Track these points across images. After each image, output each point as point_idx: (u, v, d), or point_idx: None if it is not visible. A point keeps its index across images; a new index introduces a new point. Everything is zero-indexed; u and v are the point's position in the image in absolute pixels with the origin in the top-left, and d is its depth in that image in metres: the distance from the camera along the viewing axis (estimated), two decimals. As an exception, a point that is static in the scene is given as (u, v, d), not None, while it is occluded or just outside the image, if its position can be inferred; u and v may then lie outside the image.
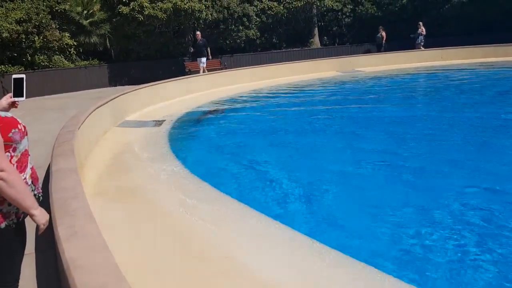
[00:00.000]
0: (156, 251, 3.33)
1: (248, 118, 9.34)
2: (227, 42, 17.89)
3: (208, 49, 14.72)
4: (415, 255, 3.32)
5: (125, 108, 9.13)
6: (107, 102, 7.90)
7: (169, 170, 5.47)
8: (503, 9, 19.03)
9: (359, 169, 5.53)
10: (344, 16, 20.48)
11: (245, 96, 12.12)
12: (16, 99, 2.08)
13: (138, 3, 14.95)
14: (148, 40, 15.98)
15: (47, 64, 14.37)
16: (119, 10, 15.09)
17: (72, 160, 3.92)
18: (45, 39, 13.94)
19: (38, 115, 10.05)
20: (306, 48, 19.74)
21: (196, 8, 15.57)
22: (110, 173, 5.44)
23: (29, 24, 13.47)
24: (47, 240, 2.86)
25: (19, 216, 1.92)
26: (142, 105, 10.08)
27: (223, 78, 13.81)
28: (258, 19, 18.38)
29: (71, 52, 15.05)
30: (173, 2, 15.26)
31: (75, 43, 14.93)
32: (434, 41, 18.65)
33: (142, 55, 16.43)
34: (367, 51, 19.27)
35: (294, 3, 18.66)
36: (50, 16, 14.36)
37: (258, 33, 18.51)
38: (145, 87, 10.78)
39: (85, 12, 15.16)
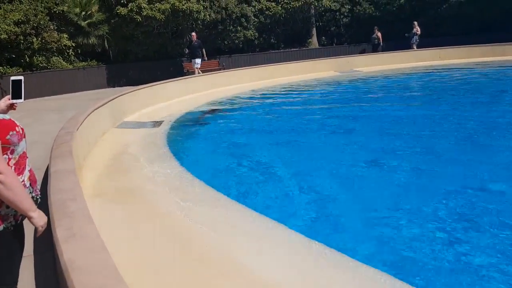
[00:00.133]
0: (155, 252, 3.33)
1: (247, 119, 9.35)
2: (225, 42, 17.89)
3: (203, 50, 14.57)
4: (416, 256, 3.33)
5: (124, 109, 9.13)
6: (105, 103, 7.90)
7: (167, 171, 5.47)
8: (501, 9, 19.08)
9: (358, 168, 5.53)
10: (342, 16, 20.50)
11: (244, 97, 12.12)
12: (14, 101, 2.08)
13: (136, 4, 14.95)
14: (146, 41, 15.98)
15: (46, 65, 14.36)
16: (117, 11, 15.09)
17: (70, 161, 3.92)
18: (43, 41, 13.93)
19: (37, 117, 10.04)
20: (304, 48, 19.76)
21: (194, 9, 15.57)
22: (108, 174, 5.44)
23: (27, 26, 13.47)
24: (46, 241, 2.85)
25: (17, 218, 1.92)
26: (141, 106, 10.08)
27: (222, 79, 13.81)
28: (256, 19, 18.38)
29: (70, 53, 15.04)
30: (171, 3, 15.26)
31: (73, 44, 14.93)
32: (432, 41, 18.68)
33: (141, 56, 16.42)
34: (363, 51, 19.31)
35: (292, 3, 18.68)
36: (48, 18, 14.36)
37: (256, 34, 18.52)
38: (144, 88, 10.78)
39: (83, 13, 15.15)
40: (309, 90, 13.00)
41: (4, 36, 12.81)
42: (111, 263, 1.95)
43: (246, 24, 18.05)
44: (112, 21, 15.52)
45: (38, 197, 2.10)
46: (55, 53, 14.65)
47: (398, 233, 3.70)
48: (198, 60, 14.53)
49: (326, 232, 3.82)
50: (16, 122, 1.97)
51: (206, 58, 14.91)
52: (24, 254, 2.15)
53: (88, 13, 15.23)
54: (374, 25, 19.17)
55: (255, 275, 3.03)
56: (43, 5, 14.48)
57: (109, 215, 4.05)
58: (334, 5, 20.24)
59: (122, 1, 15.19)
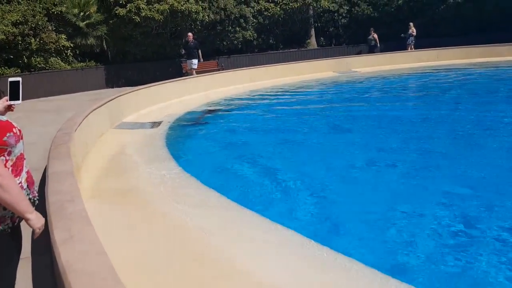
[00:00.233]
0: (154, 254, 3.32)
1: (246, 119, 9.35)
2: (224, 43, 17.88)
3: (199, 51, 14.49)
4: (416, 256, 3.32)
5: (122, 109, 9.11)
6: (104, 104, 7.88)
7: (166, 172, 5.46)
8: (499, 9, 19.12)
9: (355, 168, 5.54)
10: (340, 17, 20.52)
11: (243, 97, 12.12)
12: (12, 102, 2.07)
13: (135, 4, 14.94)
14: (145, 42, 15.96)
15: (44, 66, 14.33)
16: (116, 11, 15.07)
17: (68, 162, 3.90)
18: (41, 41, 13.90)
19: (35, 117, 10.02)
20: (303, 49, 19.77)
21: (193, 10, 15.56)
22: (107, 175, 5.43)
23: (25, 26, 13.44)
24: (44, 243, 2.84)
25: (14, 220, 1.91)
26: (139, 107, 10.06)
27: (220, 79, 13.81)
28: (255, 20, 18.39)
29: (68, 54, 15.01)
30: (170, 3, 15.25)
31: (71, 45, 14.90)
32: (430, 41, 18.73)
33: (139, 56, 16.40)
34: (359, 53, 19.33)
35: (290, 4, 18.69)
36: (46, 18, 14.33)
37: (255, 34, 18.52)
38: (142, 88, 10.76)
39: (81, 14, 15.13)
40: (307, 91, 13.00)
41: (2, 37, 12.79)
42: (109, 265, 1.94)
43: (245, 25, 18.06)
44: (111, 21, 15.50)
45: (35, 199, 2.09)
46: (53, 54, 14.62)
47: (399, 233, 3.70)
48: (195, 61, 14.50)
49: (324, 230, 3.82)
50: (13, 123, 1.95)
51: (201, 59, 14.82)
52: (22, 256, 2.13)
53: (87, 13, 15.21)
54: (372, 26, 19.19)
55: (254, 277, 3.02)
56: (41, 5, 14.46)
57: (108, 216, 4.04)
58: (333, 6, 20.27)
59: (120, 2, 15.17)
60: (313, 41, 20.36)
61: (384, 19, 19.86)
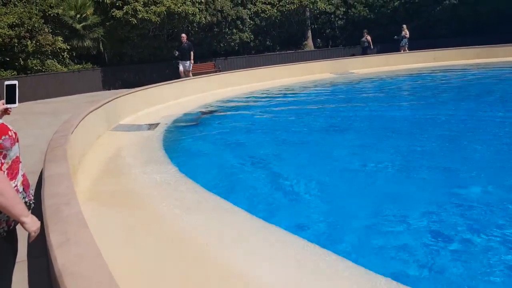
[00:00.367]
0: (151, 257, 3.31)
1: (243, 120, 9.35)
2: (221, 45, 17.89)
3: (192, 52, 14.44)
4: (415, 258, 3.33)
5: (119, 111, 9.09)
6: (100, 106, 7.87)
7: (163, 174, 5.45)
8: (494, 11, 19.23)
9: (353, 168, 5.55)
10: (337, 19, 20.58)
11: (240, 99, 12.13)
12: (8, 105, 2.06)
13: (132, 6, 14.93)
14: (141, 44, 15.95)
15: (40, 68, 14.29)
16: (113, 13, 15.06)
17: (64, 165, 3.89)
18: (38, 43, 13.86)
19: (31, 120, 9.98)
20: (300, 50, 19.80)
21: (190, 12, 15.56)
22: (103, 177, 5.41)
23: (21, 29, 13.41)
24: (40, 247, 2.83)
25: (10, 224, 1.90)
26: (136, 109, 10.05)
27: (218, 81, 13.81)
28: (251, 22, 18.41)
29: (64, 56, 14.98)
30: (167, 5, 15.25)
31: (68, 47, 14.87)
32: (426, 43, 18.82)
33: (136, 58, 16.39)
34: (353, 55, 19.39)
35: (287, 6, 18.72)
36: (43, 20, 14.30)
37: (252, 36, 18.54)
38: (139, 90, 10.75)
39: (78, 16, 15.10)
40: (305, 92, 13.02)
41: (-2, 39, 12.76)
42: (106, 269, 1.93)
43: (241, 27, 18.07)
44: (107, 23, 15.48)
45: (31, 202, 2.08)
46: (50, 56, 14.58)
47: (390, 235, 3.70)
48: (188, 63, 14.49)
49: (322, 232, 3.82)
50: (8, 126, 1.95)
51: (193, 62, 14.75)
52: (18, 259, 2.13)
53: (83, 16, 15.18)
54: (368, 27, 19.27)
55: (252, 279, 3.01)
56: (37, 8, 14.43)
57: (104, 219, 4.03)
58: (329, 8, 20.32)
59: (117, 4, 15.16)
60: (310, 43, 20.40)
61: (380, 21, 19.93)
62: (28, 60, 13.96)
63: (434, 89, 12.30)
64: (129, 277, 2.94)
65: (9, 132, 1.92)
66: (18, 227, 1.96)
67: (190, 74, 14.60)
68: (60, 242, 2.21)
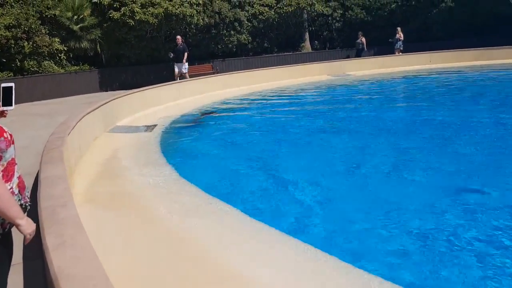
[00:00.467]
0: (147, 259, 3.29)
1: (241, 122, 9.35)
2: (219, 46, 17.90)
3: (186, 54, 14.33)
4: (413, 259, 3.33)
5: (116, 113, 9.07)
6: (97, 108, 7.85)
7: (160, 176, 5.44)
8: (490, 13, 19.31)
9: (349, 169, 5.55)
10: (334, 21, 20.63)
11: (237, 100, 12.13)
12: (4, 108, 2.05)
13: (129, 8, 14.91)
14: (139, 45, 15.92)
15: (37, 69, 14.23)
16: (110, 15, 15.03)
17: (61, 167, 3.87)
18: (34, 45, 13.82)
19: (27, 121, 9.94)
20: (297, 52, 19.83)
21: (187, 13, 15.56)
22: (100, 179, 5.39)
23: (18, 30, 13.36)
24: (36, 249, 2.81)
25: (4, 226, 1.89)
26: (134, 110, 10.03)
27: (215, 83, 13.81)
28: (249, 24, 18.42)
29: (61, 58, 14.93)
30: (164, 7, 15.24)
31: (65, 48, 14.82)
32: (423, 45, 18.89)
33: (133, 60, 16.36)
34: (347, 57, 19.43)
35: (285, 8, 18.75)
36: (40, 22, 14.25)
37: (250, 38, 18.55)
38: (137, 92, 10.73)
39: (75, 17, 15.07)
40: (303, 94, 13.04)
41: (-6, 40, 12.71)
42: (102, 271, 1.92)
43: (239, 29, 18.09)
44: (105, 25, 15.45)
45: (27, 204, 2.07)
46: (47, 57, 14.53)
47: (386, 237, 3.70)
48: (186, 65, 14.45)
49: (320, 233, 3.82)
50: (4, 128, 1.93)
51: (184, 62, 14.61)
52: (13, 262, 2.11)
53: (80, 17, 15.15)
54: (366, 29, 19.34)
55: (252, 280, 3.00)
56: (34, 9, 14.38)
57: (101, 221, 4.01)
58: (327, 10, 20.37)
59: (114, 5, 15.13)
60: (307, 45, 20.44)
61: (377, 23, 20.00)
62: (25, 61, 13.91)
63: (429, 91, 12.37)
64: (126, 280, 2.92)
65: (4, 134, 1.90)
66: (14, 229, 1.95)
67: (187, 76, 14.55)
68: (56, 244, 2.20)
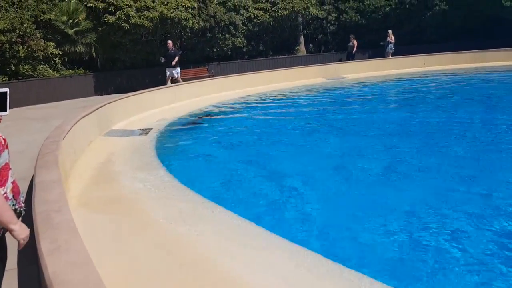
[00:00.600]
0: (143, 264, 3.29)
1: (236, 125, 9.36)
2: (214, 50, 17.92)
3: (177, 58, 14.25)
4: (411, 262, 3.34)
5: (111, 117, 9.06)
6: (92, 112, 7.83)
7: (155, 179, 5.43)
8: (484, 16, 19.46)
9: (340, 171, 5.58)
10: (329, 24, 20.72)
11: (233, 103, 12.15)
12: None
13: (124, 12, 14.90)
14: (134, 49, 15.90)
15: (32, 73, 14.19)
16: (105, 19, 15.02)
17: (55, 171, 3.86)
18: (29, 49, 13.78)
19: (22, 126, 9.90)
20: (292, 55, 19.89)
21: (183, 17, 15.57)
22: (95, 184, 5.38)
23: (13, 34, 13.32)
24: (30, 254, 2.80)
25: (-2, 231, 1.89)
26: (129, 114, 10.01)
27: (211, 86, 13.81)
28: (244, 27, 18.46)
29: (56, 62, 14.88)
30: (160, 11, 15.25)
31: (60, 52, 14.78)
32: (417, 48, 19.01)
33: (129, 63, 16.33)
34: (339, 60, 19.51)
35: (280, 11, 18.81)
36: (34, 26, 14.21)
37: (245, 41, 18.59)
38: (132, 95, 10.72)
39: (70, 21, 15.03)
40: (298, 96, 13.06)
41: (-11, 44, 12.66)
42: (97, 276, 1.92)
43: (234, 32, 18.12)
44: (100, 29, 15.43)
45: (22, 209, 2.06)
46: (42, 62, 14.48)
47: (382, 240, 3.72)
48: (178, 69, 14.40)
49: (317, 236, 3.83)
50: (-2, 133, 1.94)
51: (173, 64, 14.53)
52: (8, 267, 2.11)
53: (75, 21, 15.11)
54: (360, 33, 19.43)
55: (252, 286, 2.99)
56: (29, 13, 14.34)
57: (95, 226, 4.00)
58: (321, 13, 20.46)
59: (109, 9, 15.12)
60: (302, 48, 20.50)
61: (372, 26, 20.10)
62: (20, 65, 13.87)
63: (424, 93, 12.44)
64: (121, 284, 2.92)
65: (-2, 139, 1.91)
66: (8, 234, 1.94)
67: (180, 80, 14.47)
68: (51, 249, 2.20)
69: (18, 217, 1.95)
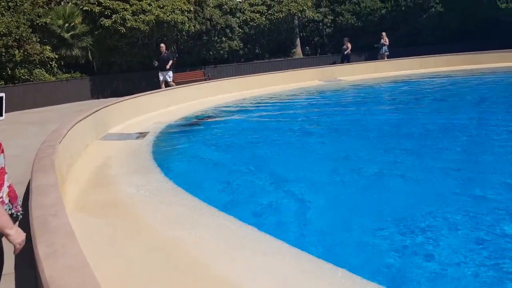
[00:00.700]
0: (140, 268, 3.28)
1: (233, 128, 9.37)
2: (211, 53, 17.95)
3: (170, 62, 14.27)
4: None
5: (108, 120, 9.05)
6: (89, 115, 7.83)
7: (152, 183, 5.43)
8: (479, 18, 19.56)
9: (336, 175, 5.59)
10: (325, 27, 20.78)
11: (230, 106, 12.16)
12: None
13: (120, 15, 14.91)
14: (130, 52, 15.91)
15: (28, 77, 14.16)
16: (101, 22, 15.02)
17: (52, 175, 3.86)
18: (25, 53, 13.76)
19: (19, 130, 9.88)
20: (289, 58, 19.93)
21: (179, 20, 15.59)
22: (92, 187, 5.37)
23: (9, 38, 13.30)
24: (27, 258, 2.80)
25: (-5, 236, 1.89)
26: (125, 118, 10.01)
27: (207, 89, 13.83)
28: (241, 30, 18.51)
29: (53, 65, 14.87)
30: (156, 14, 15.26)
31: (56, 56, 14.76)
32: (413, 50, 19.09)
33: (125, 67, 16.33)
34: (333, 63, 19.59)
35: (276, 14, 18.86)
36: (30, 30, 14.20)
37: (241, 44, 18.63)
38: (128, 99, 10.72)
39: (66, 25, 15.03)
40: (294, 99, 13.10)
41: (-15, 48, 12.63)
42: (94, 280, 1.92)
43: (230, 35, 18.16)
44: (96, 32, 15.43)
45: (19, 213, 2.07)
46: (38, 65, 14.46)
47: (380, 243, 3.74)
48: (170, 73, 14.40)
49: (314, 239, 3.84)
50: (-6, 138, 1.94)
51: (168, 67, 14.49)
52: (5, 271, 2.11)
53: (72, 25, 15.11)
54: (356, 35, 19.49)
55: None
56: (25, 17, 14.33)
57: (93, 230, 4.00)
58: (317, 16, 20.52)
59: (106, 13, 15.13)
60: (298, 51, 20.56)
61: (368, 29, 20.17)
62: (16, 69, 13.84)
63: (419, 95, 12.51)
64: None
65: (-5, 144, 1.91)
66: (5, 239, 1.94)
67: (172, 84, 14.43)
68: (48, 253, 2.19)
69: (15, 222, 1.95)
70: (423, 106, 10.71)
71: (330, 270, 3.20)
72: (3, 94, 2.08)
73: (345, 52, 18.54)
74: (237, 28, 18.32)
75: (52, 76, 14.93)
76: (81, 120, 7.21)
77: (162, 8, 15.63)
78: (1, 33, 13.18)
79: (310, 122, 9.57)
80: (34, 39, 14.19)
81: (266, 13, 18.96)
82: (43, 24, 14.60)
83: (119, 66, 16.27)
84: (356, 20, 20.35)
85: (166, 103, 11.91)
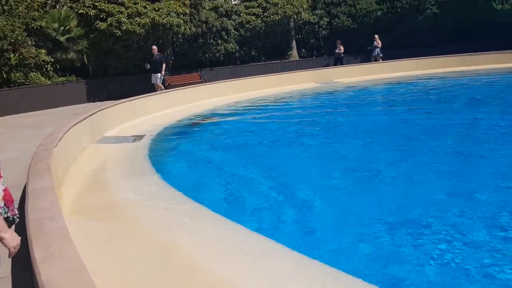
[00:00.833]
0: (137, 271, 3.28)
1: (229, 131, 9.38)
2: (206, 55, 17.96)
3: (163, 65, 14.20)
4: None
5: (104, 124, 9.03)
6: (85, 118, 7.82)
7: (149, 186, 5.42)
8: (475, 20, 19.69)
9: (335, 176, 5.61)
10: (321, 29, 20.85)
11: (225, 109, 12.17)
12: None
13: (116, 18, 14.89)
14: (126, 55, 15.89)
15: (24, 81, 14.11)
16: (97, 25, 14.99)
17: (48, 179, 3.85)
18: (21, 56, 13.72)
19: (14, 133, 9.85)
20: (284, 60, 19.98)
21: (174, 23, 15.60)
22: (88, 191, 5.36)
23: (4, 42, 13.26)
24: (24, 262, 2.79)
25: (-10, 239, 1.88)
26: (121, 121, 9.99)
27: (203, 92, 13.84)
28: (236, 32, 18.54)
29: (48, 69, 14.83)
30: (151, 17, 15.26)
31: (52, 60, 14.72)
32: (408, 52, 19.19)
33: (121, 70, 16.31)
34: (327, 65, 19.66)
35: (271, 16, 18.91)
36: (26, 33, 14.16)
37: (237, 47, 18.66)
38: (124, 102, 10.71)
39: (61, 28, 15.00)
40: (291, 101, 13.14)
41: (-20, 52, 12.59)
42: (90, 283, 1.92)
43: (226, 37, 18.19)
44: (91, 35, 15.41)
45: (15, 217, 2.06)
46: (33, 69, 14.42)
47: (378, 243, 3.75)
48: (159, 75, 14.32)
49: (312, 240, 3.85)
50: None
51: (163, 74, 14.51)
52: (2, 275, 2.10)
53: (67, 28, 15.08)
54: (352, 37, 19.56)
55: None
56: (20, 20, 14.29)
57: (89, 233, 3.98)
58: (313, 18, 20.59)
59: (101, 16, 15.11)
60: (294, 53, 20.62)
61: (363, 31, 20.26)
62: (11, 73, 13.79)
63: (416, 96, 12.57)
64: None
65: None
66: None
67: (161, 87, 14.35)
68: (44, 257, 2.19)
69: (12, 225, 1.95)
70: (418, 107, 10.77)
71: (330, 273, 3.18)
72: None
73: (339, 55, 18.61)
74: (233, 31, 18.36)
75: (48, 80, 14.90)
76: (77, 124, 7.19)
77: (158, 11, 15.64)
78: (-4, 36, 13.14)
79: (306, 124, 9.58)
80: (29, 42, 14.15)
81: (261, 16, 19.01)
82: (38, 27, 14.57)
83: (114, 69, 16.24)
84: (352, 22, 20.44)
85: (162, 106, 11.90)
